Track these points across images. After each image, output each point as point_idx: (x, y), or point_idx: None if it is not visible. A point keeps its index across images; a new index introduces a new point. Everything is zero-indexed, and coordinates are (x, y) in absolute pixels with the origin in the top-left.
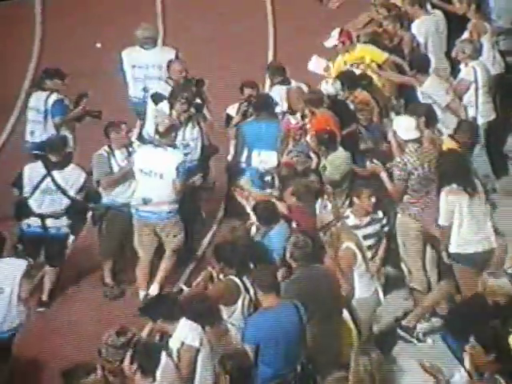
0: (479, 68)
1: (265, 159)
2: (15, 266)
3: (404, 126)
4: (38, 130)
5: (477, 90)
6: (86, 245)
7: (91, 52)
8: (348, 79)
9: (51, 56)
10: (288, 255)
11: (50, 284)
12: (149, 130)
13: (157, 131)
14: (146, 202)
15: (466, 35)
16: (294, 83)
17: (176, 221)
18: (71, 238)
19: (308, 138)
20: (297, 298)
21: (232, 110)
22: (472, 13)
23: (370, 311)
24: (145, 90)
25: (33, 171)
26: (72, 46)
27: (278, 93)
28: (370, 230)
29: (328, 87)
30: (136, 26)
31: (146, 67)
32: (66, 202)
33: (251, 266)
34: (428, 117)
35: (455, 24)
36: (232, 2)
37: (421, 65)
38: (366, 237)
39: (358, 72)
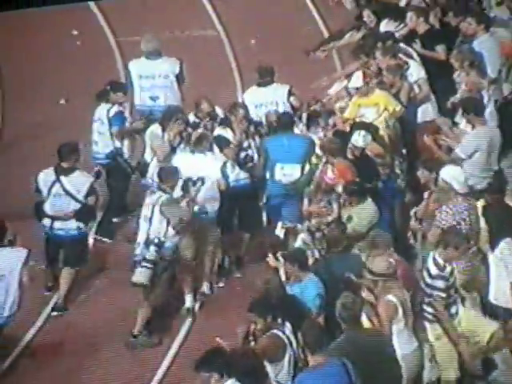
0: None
1: (288, 172)
2: (16, 255)
3: (461, 180)
4: (100, 141)
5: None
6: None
7: None
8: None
9: None
10: (337, 314)
11: (67, 286)
12: None
13: (188, 141)
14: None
15: (463, 87)
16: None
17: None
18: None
19: (339, 189)
20: (345, 358)
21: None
22: (467, 68)
23: (413, 369)
24: (152, 98)
25: (46, 177)
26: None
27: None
28: None
29: (359, 140)
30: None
31: (152, 77)
32: (74, 205)
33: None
34: None
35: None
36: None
37: (476, 107)
38: None
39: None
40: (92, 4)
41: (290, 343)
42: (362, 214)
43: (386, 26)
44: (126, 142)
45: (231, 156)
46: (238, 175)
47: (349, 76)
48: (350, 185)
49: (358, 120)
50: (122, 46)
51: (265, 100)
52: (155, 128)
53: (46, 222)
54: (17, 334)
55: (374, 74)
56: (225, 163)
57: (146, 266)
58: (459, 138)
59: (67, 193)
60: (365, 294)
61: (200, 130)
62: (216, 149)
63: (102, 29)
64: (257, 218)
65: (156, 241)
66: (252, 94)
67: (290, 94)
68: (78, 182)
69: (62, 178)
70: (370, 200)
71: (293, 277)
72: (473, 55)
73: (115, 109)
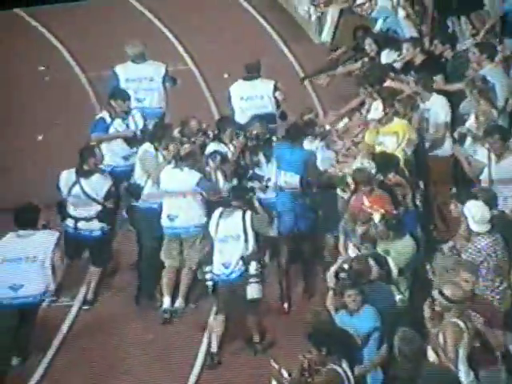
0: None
1: (289, 180)
2: (48, 237)
3: (478, 219)
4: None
5: (490, 173)
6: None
7: None
8: (384, 162)
9: None
10: (396, 352)
11: (95, 284)
12: None
13: (178, 155)
14: (172, 219)
15: (472, 119)
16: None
17: (203, 236)
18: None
19: (376, 219)
20: None
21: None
22: (476, 96)
23: None
24: (138, 100)
25: (68, 177)
26: None
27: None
28: None
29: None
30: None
31: (138, 80)
32: (95, 206)
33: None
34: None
35: None
36: None
37: (500, 131)
38: None
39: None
40: (54, 39)
41: (348, 379)
42: (401, 249)
43: (387, 56)
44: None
45: (228, 170)
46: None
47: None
48: (390, 217)
49: (377, 148)
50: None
51: (251, 93)
52: (148, 147)
53: (70, 222)
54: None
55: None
56: (201, 178)
57: (256, 282)
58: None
59: (86, 195)
60: (430, 324)
61: (186, 146)
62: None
63: (69, 63)
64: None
65: (255, 256)
66: (238, 88)
67: (275, 88)
68: (98, 184)
69: (82, 180)
70: (408, 236)
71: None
72: (484, 84)
73: (99, 115)
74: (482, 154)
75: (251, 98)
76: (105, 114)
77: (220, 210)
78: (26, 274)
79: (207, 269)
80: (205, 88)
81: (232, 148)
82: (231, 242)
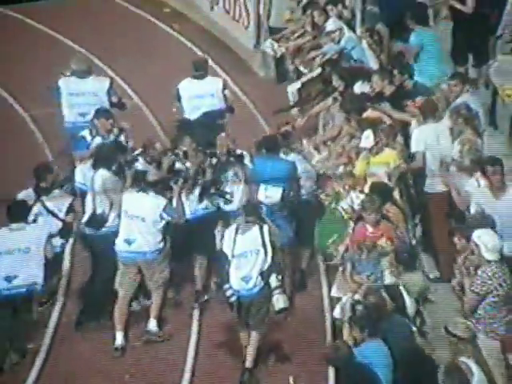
0: (482, 179)
1: (270, 195)
2: (41, 229)
3: (490, 247)
4: None
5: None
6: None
7: None
8: (381, 193)
9: None
10: None
11: None
12: None
13: (144, 180)
14: (129, 243)
15: (457, 148)
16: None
17: (162, 259)
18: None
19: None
20: None
21: None
22: (462, 125)
23: None
24: (81, 114)
25: (26, 197)
26: None
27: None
28: None
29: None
30: None
31: (82, 94)
32: (57, 223)
33: None
34: None
35: None
36: None
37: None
38: None
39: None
40: None
41: None
42: (411, 283)
43: (360, 88)
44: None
45: (184, 190)
46: (195, 207)
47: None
48: (400, 250)
49: (368, 179)
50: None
51: (200, 91)
52: (105, 173)
53: None
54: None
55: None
56: (167, 204)
57: (280, 293)
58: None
59: (48, 211)
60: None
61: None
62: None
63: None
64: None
65: (274, 268)
66: (187, 86)
67: (224, 86)
68: (59, 200)
69: (43, 197)
70: (418, 269)
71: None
72: (469, 112)
73: (80, 133)
74: (471, 184)
75: (201, 96)
76: (85, 133)
77: (234, 226)
78: (20, 265)
79: (226, 286)
80: (154, 121)
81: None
82: (250, 256)
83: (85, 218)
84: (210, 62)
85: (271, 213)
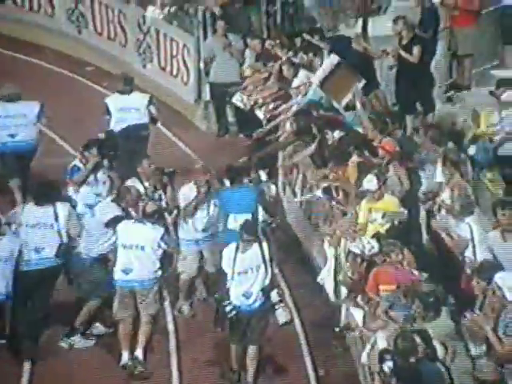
0: (475, 225)
1: (241, 221)
2: (63, 208)
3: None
4: None
5: (474, 247)
6: None
7: None
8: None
9: None
10: None
11: None
12: None
13: (143, 212)
14: (126, 272)
15: (447, 192)
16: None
17: (157, 289)
18: None
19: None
20: None
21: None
22: (451, 169)
23: None
24: (10, 135)
25: None
26: None
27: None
28: None
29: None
30: None
31: (12, 116)
32: None
33: None
34: None
35: None
36: None
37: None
38: None
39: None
40: None
41: None
42: (438, 329)
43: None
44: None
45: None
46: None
47: None
48: (425, 296)
49: (370, 225)
50: None
51: (126, 105)
52: (66, 206)
53: None
54: None
55: None
56: (164, 233)
57: (281, 307)
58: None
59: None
60: None
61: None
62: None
63: None
64: None
65: (273, 284)
66: (115, 100)
67: (150, 102)
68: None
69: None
70: (445, 313)
71: None
72: (457, 157)
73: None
74: (464, 229)
75: (128, 109)
76: (77, 162)
77: (233, 245)
78: (45, 238)
79: (226, 302)
80: None
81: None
82: (251, 273)
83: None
84: None
85: None
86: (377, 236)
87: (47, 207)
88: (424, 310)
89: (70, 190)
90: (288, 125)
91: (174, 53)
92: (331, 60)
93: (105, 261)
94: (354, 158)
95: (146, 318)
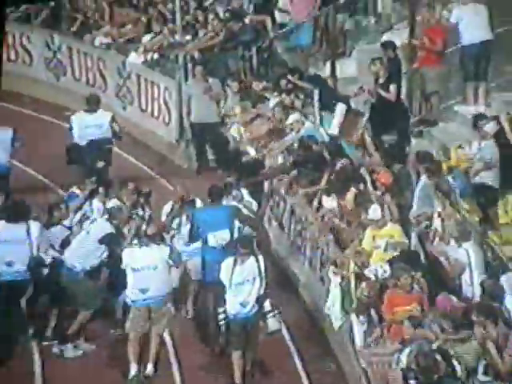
0: (472, 250)
1: (220, 238)
2: (34, 227)
3: None
4: None
5: (471, 271)
6: None
7: None
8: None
9: None
10: None
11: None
12: None
13: (145, 234)
14: (143, 292)
15: (438, 221)
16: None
17: (169, 307)
18: None
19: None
20: None
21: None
22: (442, 198)
23: None
24: None
25: None
26: None
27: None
28: None
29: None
30: None
31: None
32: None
33: None
34: None
35: None
36: None
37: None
38: None
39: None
40: None
41: None
42: (467, 353)
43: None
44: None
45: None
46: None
47: None
48: (457, 318)
49: (374, 252)
50: None
51: (90, 123)
52: (38, 225)
53: None
54: None
55: None
56: (171, 251)
57: (273, 316)
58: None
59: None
60: None
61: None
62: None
63: None
64: None
65: (267, 294)
66: (80, 118)
67: (112, 120)
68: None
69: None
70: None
71: None
72: (449, 187)
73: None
74: (462, 253)
75: (92, 126)
76: (75, 189)
77: (231, 259)
78: (16, 254)
79: (220, 310)
80: None
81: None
82: (247, 284)
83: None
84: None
85: (221, 254)
86: (389, 261)
87: (20, 224)
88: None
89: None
90: (280, 158)
91: (156, 95)
92: (341, 108)
93: (95, 274)
94: (353, 189)
95: (158, 331)
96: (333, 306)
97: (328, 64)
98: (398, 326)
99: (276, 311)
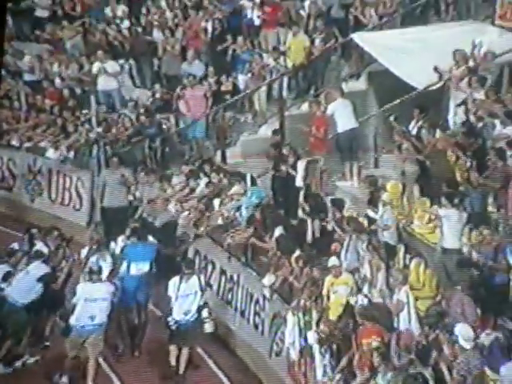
0: (411, 293)
1: (140, 268)
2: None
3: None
4: None
5: (409, 312)
6: None
7: None
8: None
9: None
10: None
11: None
12: None
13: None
14: (92, 319)
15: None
16: None
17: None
18: None
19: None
20: None
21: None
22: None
23: None
24: None
25: None
26: None
27: None
28: None
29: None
30: None
31: None
32: None
33: None
34: None
35: None
36: None
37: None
38: None
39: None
40: None
41: None
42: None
43: None
44: None
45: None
46: None
47: None
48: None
49: (332, 296)
50: None
51: None
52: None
53: None
54: None
55: None
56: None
57: (209, 321)
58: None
59: None
60: None
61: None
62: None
63: None
64: None
65: (204, 305)
66: None
67: None
68: None
69: None
70: None
71: None
72: (378, 242)
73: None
74: (402, 295)
75: None
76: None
77: (177, 277)
78: None
79: (169, 318)
80: None
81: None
82: (191, 297)
83: None
84: None
85: (138, 280)
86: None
87: None
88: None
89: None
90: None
91: (67, 185)
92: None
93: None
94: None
95: (97, 353)
96: (292, 343)
97: (219, 152)
98: (366, 357)
99: (211, 317)
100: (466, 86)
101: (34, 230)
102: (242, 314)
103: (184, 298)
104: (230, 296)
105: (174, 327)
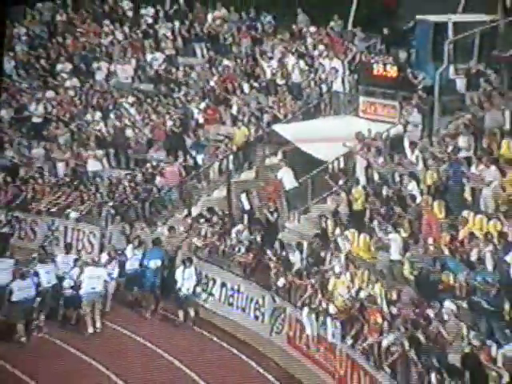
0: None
1: (153, 263)
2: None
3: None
4: None
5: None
6: None
7: None
8: None
9: None
10: None
11: None
12: None
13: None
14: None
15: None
16: None
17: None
18: None
19: None
20: None
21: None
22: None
23: None
24: None
25: None
26: None
27: None
28: None
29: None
30: None
31: None
32: None
33: None
34: None
35: None
36: None
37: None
38: None
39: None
40: None
41: None
42: None
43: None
44: None
45: None
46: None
47: None
48: None
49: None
50: None
51: None
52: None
53: None
54: None
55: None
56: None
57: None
58: None
59: None
60: None
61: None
62: None
63: None
64: None
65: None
66: None
67: None
68: None
69: None
70: None
71: None
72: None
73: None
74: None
75: None
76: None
77: (182, 267)
78: None
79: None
80: None
81: None
82: (190, 278)
83: None
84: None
85: (154, 273)
86: None
87: None
88: None
89: None
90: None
91: (81, 237)
92: None
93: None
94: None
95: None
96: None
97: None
98: (373, 328)
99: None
100: (366, 154)
101: None
102: (243, 310)
103: (187, 279)
104: (231, 299)
105: (183, 298)
